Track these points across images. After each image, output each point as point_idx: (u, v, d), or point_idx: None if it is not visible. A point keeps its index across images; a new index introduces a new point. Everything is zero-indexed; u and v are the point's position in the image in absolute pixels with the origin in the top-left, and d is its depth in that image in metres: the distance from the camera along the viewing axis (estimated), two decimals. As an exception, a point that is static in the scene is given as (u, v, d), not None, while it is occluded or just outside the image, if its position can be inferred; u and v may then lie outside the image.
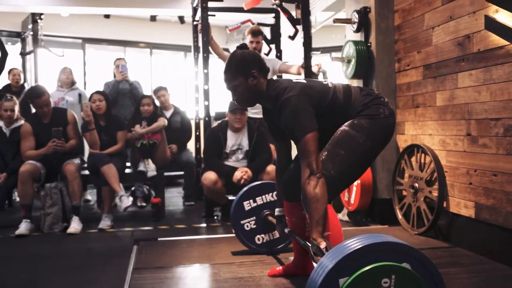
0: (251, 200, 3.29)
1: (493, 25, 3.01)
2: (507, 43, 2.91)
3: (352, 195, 4.31)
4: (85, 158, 4.91)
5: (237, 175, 4.23)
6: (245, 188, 3.34)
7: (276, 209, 2.87)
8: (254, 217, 3.29)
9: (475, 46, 3.22)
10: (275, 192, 3.11)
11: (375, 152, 2.46)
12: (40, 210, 4.38)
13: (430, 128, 3.79)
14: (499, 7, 2.95)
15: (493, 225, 3.12)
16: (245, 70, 2.42)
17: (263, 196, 3.29)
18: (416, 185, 3.87)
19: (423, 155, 3.84)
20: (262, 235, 3.33)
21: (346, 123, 2.39)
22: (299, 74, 4.94)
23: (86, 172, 4.75)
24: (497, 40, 2.99)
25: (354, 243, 1.63)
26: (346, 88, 2.47)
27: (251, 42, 4.89)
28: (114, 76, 5.79)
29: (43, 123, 4.51)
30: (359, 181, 4.18)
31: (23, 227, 4.18)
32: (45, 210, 4.34)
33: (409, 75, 4.06)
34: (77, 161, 4.56)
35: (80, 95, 5.80)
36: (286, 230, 2.75)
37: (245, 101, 2.54)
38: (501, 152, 3.02)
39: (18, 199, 4.67)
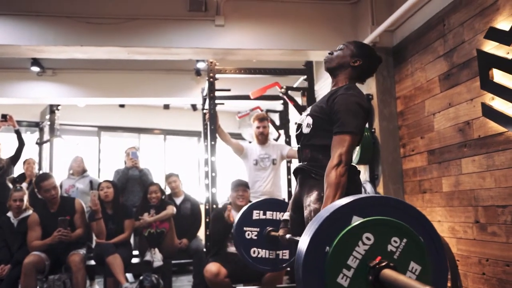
0: (261, 211, 3.21)
1: (490, 112, 3.03)
2: (505, 130, 2.92)
3: None
4: (93, 246, 4.88)
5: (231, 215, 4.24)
6: (260, 199, 3.29)
7: (284, 214, 2.78)
8: (258, 229, 3.19)
9: (476, 132, 3.23)
10: (286, 213, 2.98)
11: None
12: (42, 304, 4.31)
13: (439, 215, 3.72)
14: (494, 95, 2.99)
15: (509, 320, 2.96)
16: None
17: (274, 213, 3.21)
18: (428, 274, 3.72)
19: (433, 242, 3.73)
20: (259, 249, 3.18)
21: (312, 198, 2.30)
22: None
23: (93, 262, 4.70)
24: (496, 127, 3.00)
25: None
26: None
27: (258, 127, 4.99)
28: (125, 164, 5.90)
29: (51, 212, 4.55)
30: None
31: (24, 323, 4.10)
32: (47, 303, 4.27)
33: (414, 161, 4.06)
34: (82, 251, 4.53)
35: (91, 182, 5.89)
36: (287, 237, 2.64)
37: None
38: None
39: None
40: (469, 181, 3.32)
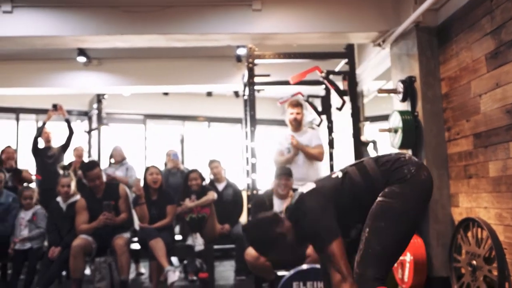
0: (301, 283, 3.14)
1: (540, 92, 2.85)
2: (557, 110, 2.73)
3: (405, 272, 4.05)
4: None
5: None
6: (298, 268, 3.21)
7: None
8: None
9: (525, 114, 3.04)
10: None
11: (416, 213, 2.34)
12: (90, 284, 4.44)
13: (485, 201, 3.54)
14: (545, 73, 2.80)
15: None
16: (273, 239, 2.41)
17: (315, 282, 3.12)
18: (474, 262, 3.57)
19: (479, 229, 3.57)
20: None
21: (379, 196, 2.29)
22: (319, 154, 4.97)
23: (137, 246, 4.81)
24: (547, 107, 2.82)
25: None
26: (361, 168, 2.39)
27: (291, 113, 4.96)
28: (165, 165, 5.99)
29: (97, 197, 4.67)
30: (412, 257, 3.94)
31: (73, 302, 4.25)
32: (94, 284, 4.42)
33: (460, 145, 3.88)
34: (126, 235, 4.64)
35: (127, 169, 6.05)
36: None
37: (302, 244, 2.61)
38: (562, 228, 2.75)
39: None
40: (518, 165, 3.14)
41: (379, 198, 2.28)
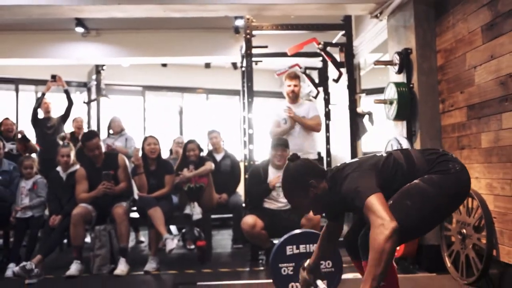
0: (294, 246, 3.19)
1: (533, 64, 2.85)
2: (548, 81, 2.74)
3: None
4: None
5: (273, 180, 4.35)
6: (291, 233, 3.26)
7: (308, 260, 2.79)
8: (293, 264, 3.18)
9: (518, 85, 3.06)
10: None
11: (447, 208, 2.29)
12: (90, 252, 4.52)
13: (477, 171, 3.58)
14: (538, 44, 2.80)
15: (545, 277, 2.86)
16: (302, 184, 2.33)
17: (307, 245, 3.16)
18: (464, 231, 3.64)
19: (470, 199, 3.62)
20: (296, 284, 3.20)
21: (416, 179, 2.23)
22: (317, 125, 4.99)
23: (137, 215, 4.87)
24: (539, 79, 2.83)
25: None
26: (405, 153, 2.35)
27: (289, 85, 4.95)
28: (171, 153, 6.03)
29: (96, 167, 4.71)
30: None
31: (74, 269, 4.32)
32: (94, 251, 4.48)
33: (453, 116, 3.90)
34: (125, 204, 4.68)
35: (126, 139, 6.08)
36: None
37: (315, 211, 2.48)
38: (550, 197, 2.80)
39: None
40: (510, 136, 3.17)
41: (415, 181, 2.22)
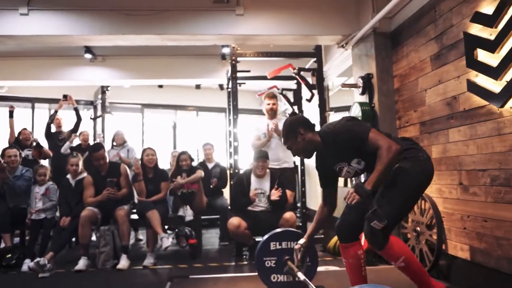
0: (277, 242, 3.19)
1: (474, 88, 2.91)
2: (487, 103, 2.80)
3: (362, 237, 4.13)
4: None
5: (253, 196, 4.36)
6: (275, 231, 3.25)
7: (303, 239, 2.88)
8: (276, 258, 3.17)
9: (461, 106, 3.11)
10: (298, 241, 3.01)
11: (420, 189, 2.46)
12: (96, 249, 4.43)
13: (428, 178, 3.63)
14: (478, 72, 2.87)
15: (486, 268, 2.90)
16: (293, 131, 2.54)
17: (289, 242, 3.16)
18: (418, 229, 3.68)
19: (423, 202, 3.67)
20: (278, 275, 3.18)
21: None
22: None
23: (136, 216, 4.80)
24: (479, 101, 2.88)
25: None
26: (387, 133, 2.50)
27: (268, 104, 4.95)
28: (170, 165, 5.99)
29: (101, 175, 4.63)
30: (367, 225, 4.02)
31: (81, 264, 4.23)
32: (99, 249, 4.39)
33: (409, 131, 3.96)
34: (127, 207, 4.62)
35: (128, 150, 6.03)
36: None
37: (302, 154, 2.64)
38: (489, 200, 2.84)
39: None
40: (455, 148, 3.23)
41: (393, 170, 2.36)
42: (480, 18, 2.84)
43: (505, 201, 2.70)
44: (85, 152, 5.76)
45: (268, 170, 4.50)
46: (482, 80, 2.83)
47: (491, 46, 2.73)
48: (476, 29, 2.90)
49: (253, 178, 4.49)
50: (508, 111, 2.64)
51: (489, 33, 2.77)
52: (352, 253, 2.56)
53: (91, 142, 6.49)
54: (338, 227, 2.60)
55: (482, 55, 2.84)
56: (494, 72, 2.71)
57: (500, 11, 2.66)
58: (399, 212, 2.42)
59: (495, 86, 2.72)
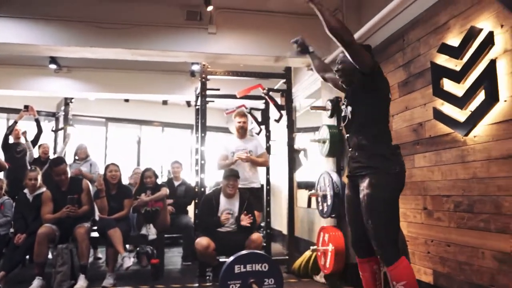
0: (241, 265, 3.12)
1: (440, 116, 3.00)
2: (452, 131, 2.89)
3: (327, 260, 4.13)
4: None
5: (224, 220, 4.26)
6: (240, 253, 3.18)
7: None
8: (240, 281, 3.11)
9: (427, 132, 3.19)
10: (263, 264, 2.98)
11: (397, 199, 2.57)
12: (52, 268, 4.20)
13: (393, 201, 3.67)
14: (444, 101, 2.96)
15: (449, 292, 2.94)
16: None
17: (254, 265, 3.11)
18: (383, 251, 3.69)
19: (387, 225, 3.70)
20: None
21: (365, 184, 2.48)
22: (265, 162, 4.93)
23: (96, 234, 4.60)
24: (444, 128, 2.97)
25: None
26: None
27: (239, 122, 4.91)
28: (134, 183, 5.85)
29: (62, 190, 4.43)
30: (333, 247, 4.03)
31: (35, 284, 4.01)
32: (56, 268, 4.16)
33: (375, 155, 4.01)
34: (87, 224, 4.42)
35: (91, 165, 5.84)
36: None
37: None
38: (453, 225, 2.90)
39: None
40: (420, 174, 3.30)
41: (367, 191, 2.47)
42: (446, 49, 2.94)
43: (467, 227, 2.76)
44: (45, 165, 5.51)
45: (237, 190, 4.44)
46: (448, 109, 2.92)
47: (457, 76, 2.83)
48: (443, 60, 3.00)
49: (222, 198, 4.40)
50: (471, 139, 2.73)
51: (454, 64, 2.87)
52: (368, 268, 2.68)
53: (51, 156, 6.24)
54: (353, 244, 2.73)
55: (448, 85, 2.93)
56: (459, 102, 2.80)
57: (465, 43, 2.77)
58: (391, 225, 2.51)
59: (460, 115, 2.81)
